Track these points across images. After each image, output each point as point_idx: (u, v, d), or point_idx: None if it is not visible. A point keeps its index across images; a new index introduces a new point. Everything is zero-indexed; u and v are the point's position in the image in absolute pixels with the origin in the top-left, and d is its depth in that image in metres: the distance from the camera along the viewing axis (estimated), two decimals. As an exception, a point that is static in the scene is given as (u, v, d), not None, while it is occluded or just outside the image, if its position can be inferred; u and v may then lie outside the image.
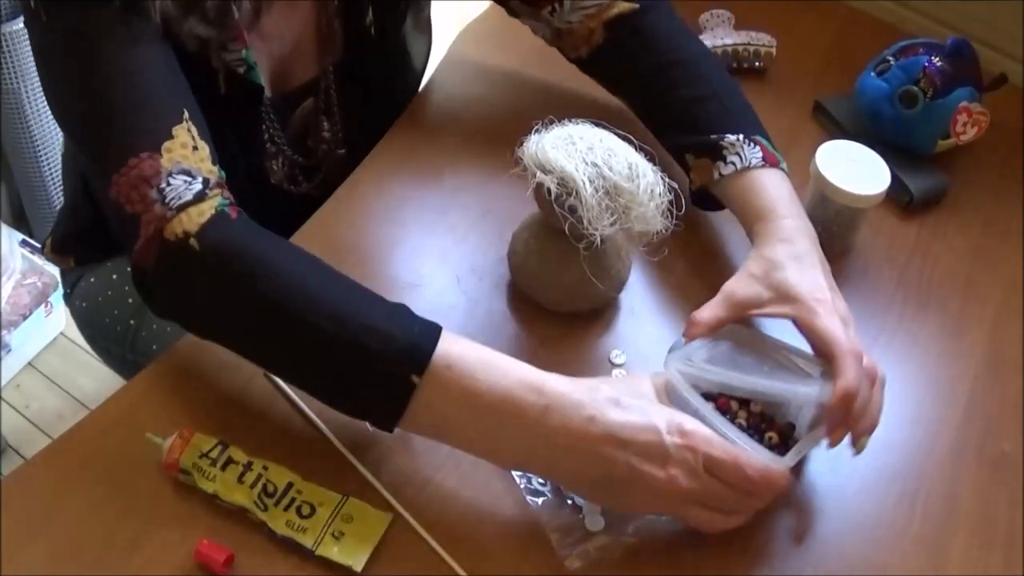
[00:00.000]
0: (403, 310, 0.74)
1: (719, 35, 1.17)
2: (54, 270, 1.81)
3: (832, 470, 0.82)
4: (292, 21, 0.96)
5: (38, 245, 1.79)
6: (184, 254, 0.72)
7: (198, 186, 0.74)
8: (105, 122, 0.76)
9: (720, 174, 0.91)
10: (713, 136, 0.91)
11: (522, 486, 0.80)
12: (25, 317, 1.82)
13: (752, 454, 0.73)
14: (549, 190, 0.80)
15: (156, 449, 0.77)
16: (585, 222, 0.80)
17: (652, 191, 0.82)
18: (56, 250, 1.19)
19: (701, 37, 1.16)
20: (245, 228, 0.76)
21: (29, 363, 1.89)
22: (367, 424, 0.82)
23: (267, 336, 0.74)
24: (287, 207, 1.00)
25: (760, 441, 0.77)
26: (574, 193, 0.80)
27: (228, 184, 0.79)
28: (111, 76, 0.76)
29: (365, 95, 1.04)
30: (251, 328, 0.74)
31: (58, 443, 0.81)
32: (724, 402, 0.81)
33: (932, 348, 0.93)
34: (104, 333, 1.18)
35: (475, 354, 0.72)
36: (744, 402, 0.81)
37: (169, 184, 0.73)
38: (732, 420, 0.79)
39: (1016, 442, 0.86)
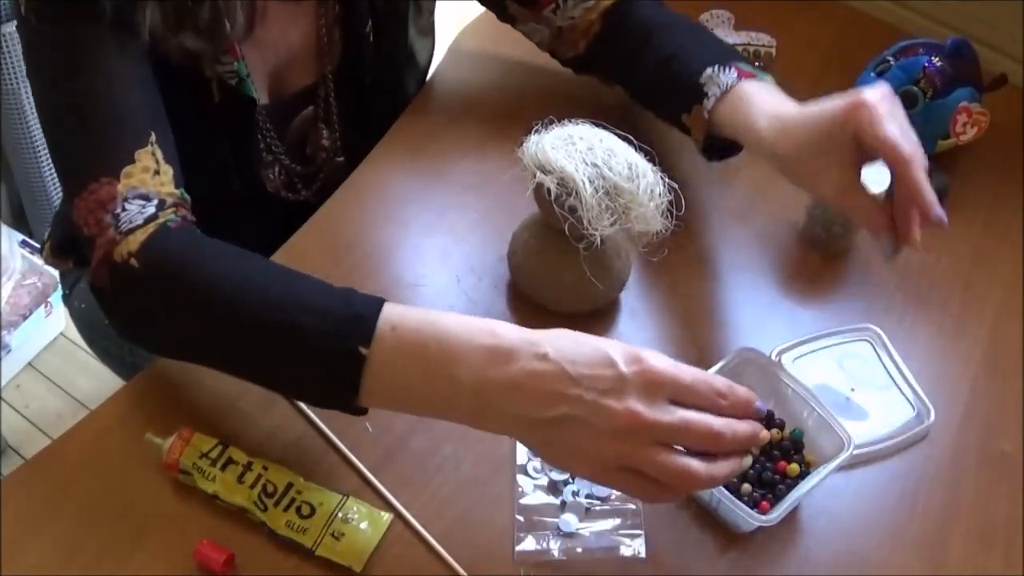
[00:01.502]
0: (345, 290, 0.71)
1: (719, 35, 1.17)
2: (54, 271, 1.81)
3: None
4: (289, 29, 0.96)
5: (38, 245, 1.79)
6: (129, 275, 0.72)
7: (151, 209, 0.74)
8: (72, 144, 0.77)
9: (707, 112, 0.90)
10: (692, 79, 0.91)
11: (521, 487, 0.80)
12: (25, 317, 1.82)
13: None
14: (549, 190, 0.80)
15: (156, 449, 0.77)
16: (585, 222, 0.80)
17: (652, 191, 0.82)
18: (55, 253, 1.19)
19: (701, 37, 1.16)
20: (183, 239, 0.74)
21: (29, 363, 1.89)
22: (367, 424, 0.82)
23: (215, 340, 0.73)
24: (285, 215, 1.00)
25: (737, 496, 0.76)
26: (574, 193, 0.80)
27: (223, 193, 0.81)
28: (82, 94, 0.76)
29: (364, 102, 1.04)
30: (198, 336, 0.73)
31: (58, 443, 0.81)
32: None
33: (932, 348, 0.93)
34: (103, 334, 1.18)
35: (419, 314, 0.69)
36: None
37: (124, 209, 0.73)
38: None
39: (1016, 442, 0.86)
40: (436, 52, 1.19)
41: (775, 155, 0.82)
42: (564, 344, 0.66)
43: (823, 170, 0.79)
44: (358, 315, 0.68)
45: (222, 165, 0.94)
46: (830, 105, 0.78)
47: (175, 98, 0.82)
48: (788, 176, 0.83)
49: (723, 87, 0.88)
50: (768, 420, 0.82)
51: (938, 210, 0.75)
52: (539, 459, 0.81)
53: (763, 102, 0.86)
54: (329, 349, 0.68)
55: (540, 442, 0.67)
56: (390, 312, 0.68)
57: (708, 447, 0.65)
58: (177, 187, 0.78)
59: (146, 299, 0.73)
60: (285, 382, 0.74)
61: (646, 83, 1.00)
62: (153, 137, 0.77)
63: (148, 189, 0.75)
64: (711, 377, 0.67)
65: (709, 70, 0.90)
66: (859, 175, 0.78)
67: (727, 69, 0.90)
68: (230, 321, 0.70)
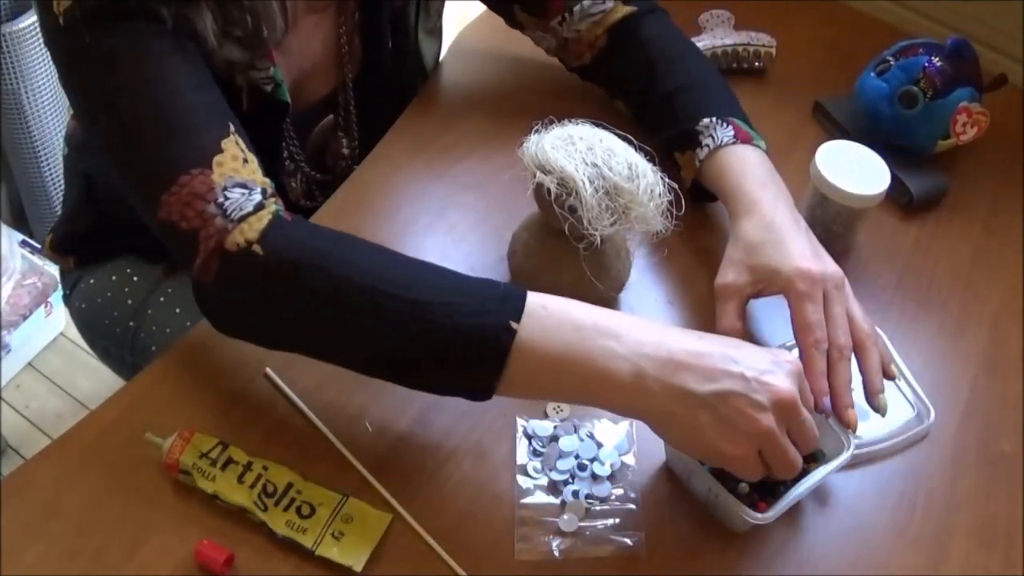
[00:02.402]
0: (485, 279, 0.71)
1: (719, 35, 1.17)
2: (54, 270, 1.81)
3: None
4: (312, 37, 0.96)
5: (38, 245, 1.79)
6: (249, 262, 0.70)
7: (257, 197, 0.73)
8: (152, 142, 0.74)
9: (699, 160, 0.92)
10: (690, 123, 0.93)
11: (521, 487, 0.80)
12: (25, 317, 1.82)
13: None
14: (549, 190, 0.80)
15: (156, 449, 0.77)
16: (585, 222, 0.80)
17: (652, 191, 0.82)
18: (55, 249, 1.19)
19: (701, 37, 1.17)
20: (305, 227, 0.74)
21: (29, 363, 1.89)
22: (367, 424, 0.82)
23: (346, 326, 0.70)
24: None
25: (734, 494, 0.76)
26: (574, 193, 0.80)
27: None
28: (157, 91, 0.74)
29: (383, 109, 1.04)
30: (326, 323, 0.71)
31: (58, 443, 0.81)
32: None
33: (932, 348, 0.93)
34: (103, 334, 1.18)
35: (567, 300, 0.70)
36: None
37: (227, 198, 0.71)
38: None
39: (1016, 442, 0.86)
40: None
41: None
42: (713, 336, 0.71)
43: (733, 265, 0.85)
44: (507, 294, 0.69)
45: None
46: (783, 262, 0.82)
47: None
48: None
49: (716, 143, 0.91)
50: None
51: (824, 403, 0.78)
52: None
53: (737, 186, 0.89)
54: (479, 325, 0.67)
55: (697, 421, 0.67)
56: (538, 295, 0.70)
57: (806, 446, 0.71)
58: (265, 175, 0.76)
59: (270, 286, 0.71)
60: (421, 366, 0.71)
61: (646, 110, 1.02)
62: (232, 128, 0.75)
63: (244, 178, 0.73)
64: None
65: (707, 120, 0.92)
66: (743, 297, 0.85)
67: (725, 125, 0.92)
68: (370, 304, 0.68)
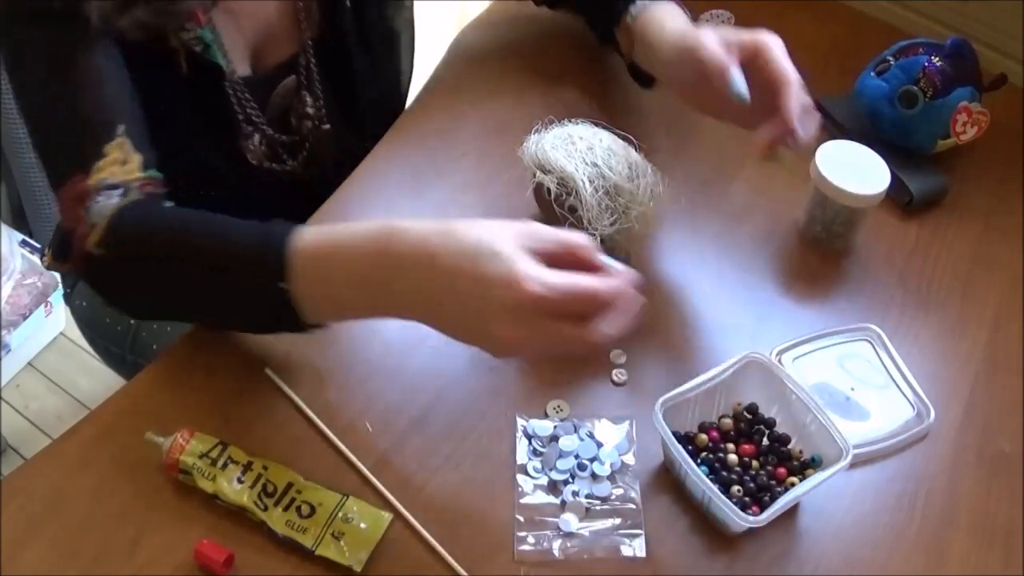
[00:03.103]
0: (252, 237, 0.76)
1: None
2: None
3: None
4: (267, 1, 0.97)
5: (38, 245, 1.79)
6: (97, 263, 0.79)
7: (116, 199, 0.79)
8: (48, 145, 0.84)
9: (631, 18, 0.96)
10: None
11: (521, 487, 0.80)
12: (25, 317, 1.82)
13: None
14: (549, 190, 0.80)
15: (156, 449, 0.77)
16: (585, 222, 0.80)
17: (652, 191, 0.82)
18: (56, 256, 1.18)
19: (701, 37, 1.16)
20: (133, 217, 0.79)
21: (29, 363, 1.89)
22: (367, 424, 0.82)
23: (174, 298, 0.81)
24: (271, 186, 1.00)
25: (727, 495, 0.76)
26: (574, 193, 0.80)
27: (207, 169, 0.87)
28: (51, 97, 0.82)
29: (347, 69, 1.04)
30: (161, 297, 0.82)
31: (58, 443, 0.81)
32: (716, 435, 0.81)
33: (932, 348, 0.93)
34: (104, 333, 1.18)
35: (321, 236, 0.74)
36: (747, 436, 0.82)
37: (96, 202, 0.79)
38: (722, 456, 0.80)
39: (1016, 442, 0.86)
40: (436, 52, 1.19)
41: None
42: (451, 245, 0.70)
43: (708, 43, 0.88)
44: (267, 258, 0.73)
45: (201, 139, 0.96)
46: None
47: (148, 77, 0.85)
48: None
49: (640, 7, 0.96)
50: (763, 422, 0.83)
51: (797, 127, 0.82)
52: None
53: (678, 19, 0.94)
54: (261, 288, 0.74)
55: (449, 306, 0.70)
56: (303, 241, 0.73)
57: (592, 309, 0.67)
58: (145, 170, 0.82)
59: (115, 280, 0.82)
60: (244, 325, 0.83)
61: (588, 4, 1.07)
62: (121, 129, 0.81)
63: (116, 179, 0.80)
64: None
65: None
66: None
67: None
68: (180, 283, 0.78)
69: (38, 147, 0.85)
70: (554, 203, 0.81)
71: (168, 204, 0.83)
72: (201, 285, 0.78)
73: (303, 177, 1.02)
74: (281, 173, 1.03)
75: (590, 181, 0.79)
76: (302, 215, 1.05)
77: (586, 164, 0.80)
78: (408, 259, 0.70)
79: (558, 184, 0.80)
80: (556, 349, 0.70)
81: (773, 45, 0.86)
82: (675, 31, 0.92)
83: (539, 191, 0.83)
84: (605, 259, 0.70)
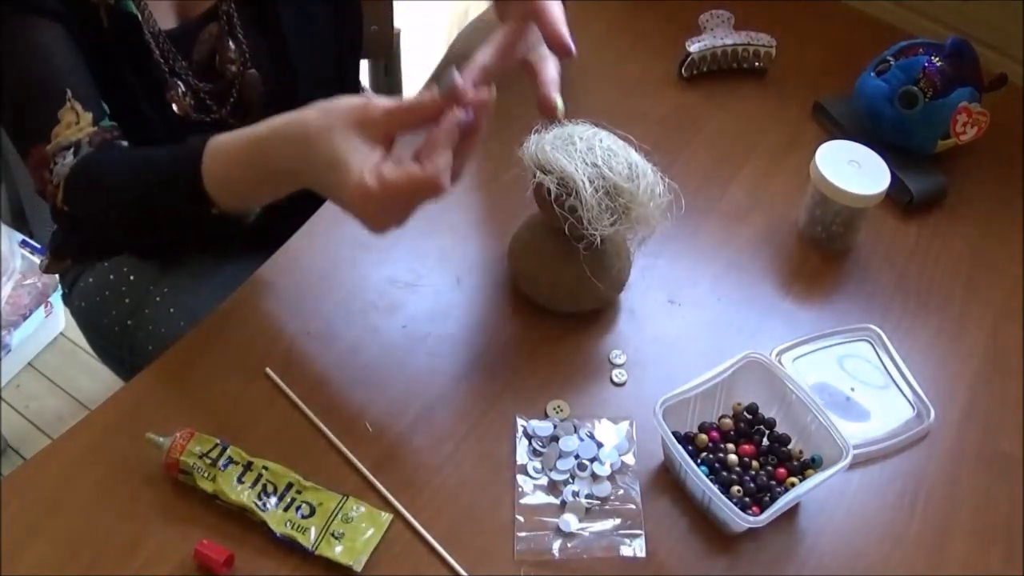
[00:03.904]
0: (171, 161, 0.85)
1: (719, 35, 1.17)
2: (54, 270, 1.80)
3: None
4: None
5: (38, 245, 1.79)
6: (66, 216, 0.90)
7: (70, 157, 0.89)
8: (9, 115, 0.92)
9: None
10: None
11: (521, 487, 0.80)
12: (25, 317, 1.82)
13: None
14: (549, 190, 0.80)
15: (156, 449, 0.77)
16: (585, 222, 0.80)
17: (652, 191, 0.82)
18: (53, 257, 1.18)
19: (701, 37, 1.17)
20: (86, 162, 0.88)
21: (29, 363, 1.89)
22: (367, 424, 0.82)
23: (128, 226, 0.89)
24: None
25: (727, 495, 0.76)
26: (574, 193, 0.80)
27: (137, 122, 0.95)
28: (9, 74, 0.89)
29: (271, 13, 1.04)
30: (117, 227, 0.90)
31: (58, 443, 0.81)
32: (716, 435, 0.81)
33: (932, 348, 0.93)
34: (102, 333, 1.18)
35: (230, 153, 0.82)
36: (747, 436, 0.82)
37: (56, 163, 0.88)
38: (722, 456, 0.80)
39: (1016, 442, 0.86)
40: (435, 52, 1.19)
41: None
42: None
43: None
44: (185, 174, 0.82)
45: (130, 94, 0.98)
46: None
47: (78, 34, 0.91)
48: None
49: None
50: (763, 423, 0.83)
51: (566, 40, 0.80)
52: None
53: None
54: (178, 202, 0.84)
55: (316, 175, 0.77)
56: (208, 157, 0.81)
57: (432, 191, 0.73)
58: (96, 123, 0.90)
59: (80, 226, 0.92)
60: (182, 237, 0.95)
61: None
62: (69, 94, 0.89)
63: (70, 139, 0.89)
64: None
65: None
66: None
67: None
68: (129, 215, 0.88)
69: (4, 129, 0.95)
70: (554, 203, 0.81)
71: (122, 146, 0.91)
72: (144, 220, 0.89)
73: (234, 125, 1.02)
74: (211, 124, 1.03)
75: (590, 181, 0.79)
76: None
77: (586, 164, 0.80)
78: (281, 174, 0.79)
79: (558, 184, 0.80)
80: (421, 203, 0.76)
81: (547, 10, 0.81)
82: None
83: (539, 191, 0.83)
84: (442, 87, 0.74)
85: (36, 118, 0.90)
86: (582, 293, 0.89)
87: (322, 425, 0.82)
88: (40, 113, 0.89)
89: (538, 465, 0.81)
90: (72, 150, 0.89)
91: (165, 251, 1.06)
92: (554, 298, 0.90)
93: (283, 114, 0.78)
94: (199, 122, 1.03)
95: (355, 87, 1.26)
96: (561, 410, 0.85)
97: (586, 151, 0.81)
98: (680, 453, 0.76)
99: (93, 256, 1.02)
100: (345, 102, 0.76)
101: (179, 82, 1.00)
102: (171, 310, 1.12)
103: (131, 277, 1.15)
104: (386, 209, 0.75)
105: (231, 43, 1.02)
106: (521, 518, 0.78)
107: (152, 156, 0.88)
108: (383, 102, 0.75)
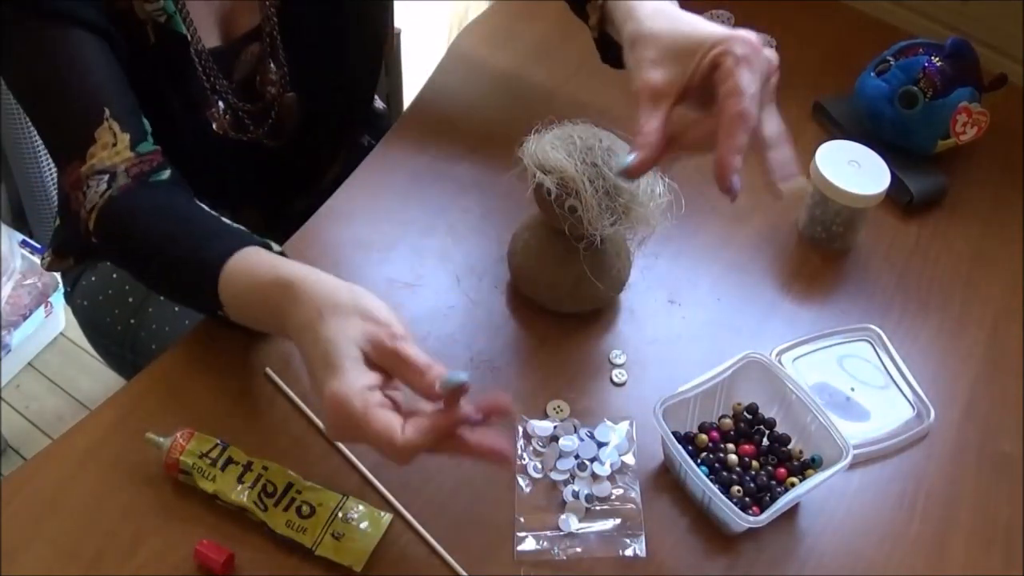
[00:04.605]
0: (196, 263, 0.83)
1: (719, 35, 1.17)
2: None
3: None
4: None
5: (38, 245, 1.79)
6: (94, 248, 0.88)
7: (103, 186, 0.86)
8: (46, 132, 0.91)
9: (602, 4, 0.87)
10: None
11: (521, 487, 0.80)
12: (25, 317, 1.82)
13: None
14: (549, 190, 0.80)
15: (156, 449, 0.77)
16: (585, 222, 0.80)
17: (652, 191, 0.82)
18: (56, 255, 1.18)
19: (701, 37, 1.16)
20: (117, 209, 0.86)
21: (29, 363, 1.89)
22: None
23: (151, 280, 0.89)
24: (239, 156, 1.02)
25: (727, 495, 0.76)
26: (574, 193, 0.80)
27: (173, 140, 0.91)
28: (41, 89, 0.87)
29: (311, 37, 1.04)
30: (142, 276, 0.90)
31: (58, 443, 0.81)
32: (716, 435, 0.81)
33: (932, 348, 0.93)
34: (105, 332, 1.18)
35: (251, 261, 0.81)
36: (747, 436, 0.82)
37: (88, 187, 0.86)
38: (722, 456, 0.80)
39: (1016, 442, 0.86)
40: (435, 51, 1.19)
41: (632, 40, 0.79)
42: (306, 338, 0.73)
43: (653, 65, 0.76)
44: (210, 283, 0.81)
45: (169, 108, 0.98)
46: (706, 30, 0.76)
47: (124, 49, 0.90)
48: (628, 62, 0.80)
49: None
50: (763, 423, 0.83)
51: (733, 181, 0.74)
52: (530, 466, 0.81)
53: (632, 6, 0.81)
54: (199, 306, 0.86)
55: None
56: (229, 277, 0.80)
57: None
58: (135, 147, 0.87)
59: (109, 259, 0.96)
60: (188, 305, 0.90)
61: None
62: (107, 113, 0.86)
63: (105, 164, 0.86)
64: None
65: None
66: (677, 90, 0.75)
67: None
68: (147, 268, 0.87)
69: (40, 135, 0.92)
70: (554, 203, 0.81)
71: (160, 180, 0.88)
72: (163, 289, 0.92)
73: (270, 146, 1.03)
74: (248, 143, 1.03)
75: (590, 181, 0.79)
76: (270, 184, 1.10)
77: (586, 164, 0.80)
78: (286, 323, 0.76)
79: (558, 184, 0.80)
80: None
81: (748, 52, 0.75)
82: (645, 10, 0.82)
83: (539, 191, 0.83)
84: (443, 380, 0.69)
85: (73, 135, 0.87)
86: (582, 293, 0.89)
87: (322, 425, 0.81)
88: (77, 130, 0.87)
89: (538, 465, 0.81)
90: (108, 177, 0.86)
91: None
92: (554, 298, 0.90)
93: (318, 273, 0.76)
94: (236, 141, 1.03)
95: (371, 108, 1.26)
96: (561, 410, 0.85)
97: (586, 151, 0.81)
98: (680, 453, 0.76)
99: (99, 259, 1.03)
100: (377, 311, 0.72)
101: (219, 101, 1.00)
102: (174, 309, 1.12)
103: (134, 276, 1.15)
104: (349, 430, 0.69)
105: (272, 65, 1.02)
106: (521, 518, 0.78)
107: (189, 232, 0.85)
108: (407, 345, 0.71)
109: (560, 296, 0.90)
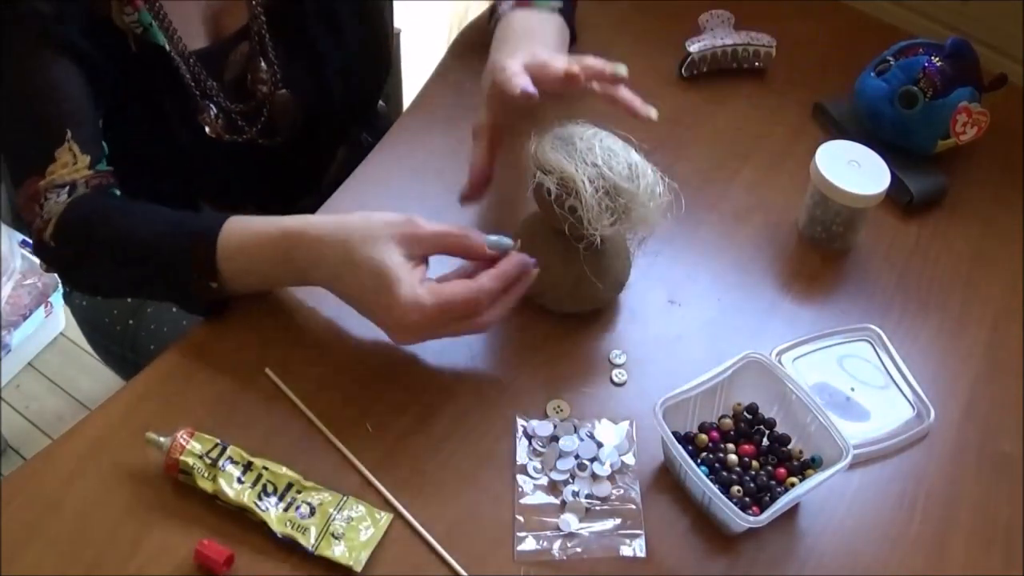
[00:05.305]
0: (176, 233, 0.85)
1: (719, 35, 1.17)
2: (54, 270, 1.80)
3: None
4: None
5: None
6: (51, 251, 0.90)
7: (64, 196, 0.89)
8: (7, 149, 0.94)
9: (491, 32, 1.01)
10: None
11: (521, 487, 0.80)
12: (25, 317, 1.82)
13: None
14: (549, 190, 0.80)
15: (156, 449, 0.77)
16: (585, 222, 0.80)
17: (652, 191, 0.82)
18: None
19: (701, 37, 1.17)
20: (78, 211, 0.88)
21: (29, 363, 1.89)
22: (367, 425, 0.82)
23: (115, 278, 0.91)
24: (235, 157, 1.02)
25: (727, 495, 0.76)
26: (574, 193, 0.80)
27: (171, 144, 0.96)
28: (7, 107, 0.90)
29: (303, 34, 1.04)
30: (101, 277, 0.93)
31: (58, 443, 0.81)
32: (716, 435, 0.82)
33: (932, 348, 0.93)
34: (103, 332, 1.18)
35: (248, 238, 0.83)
36: (747, 436, 0.82)
37: (47, 199, 0.88)
38: (722, 456, 0.80)
39: (1016, 442, 0.86)
40: (435, 52, 1.19)
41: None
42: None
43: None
44: (194, 254, 0.83)
45: (161, 116, 0.98)
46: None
47: (108, 58, 0.92)
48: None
49: (499, 12, 1.01)
50: (763, 423, 0.83)
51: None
52: (531, 463, 0.81)
53: (499, 44, 0.97)
54: (185, 283, 0.85)
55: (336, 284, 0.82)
56: (225, 238, 0.83)
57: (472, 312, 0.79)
58: (93, 166, 0.90)
59: (65, 264, 0.93)
60: (163, 297, 0.91)
61: None
62: (69, 135, 0.89)
63: (65, 179, 0.89)
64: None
65: None
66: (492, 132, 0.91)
67: None
68: (119, 266, 0.88)
69: (2, 152, 0.96)
70: (554, 203, 0.81)
71: (116, 194, 0.92)
72: (134, 278, 0.89)
73: (265, 146, 1.03)
74: (242, 144, 1.03)
75: (590, 181, 0.79)
76: (270, 183, 1.10)
77: (586, 164, 0.80)
78: (310, 270, 0.82)
79: (558, 184, 0.80)
80: (452, 336, 0.82)
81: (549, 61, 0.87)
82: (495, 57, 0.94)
83: (539, 191, 0.83)
84: (490, 240, 0.82)
85: (34, 152, 0.90)
86: (582, 293, 0.89)
87: (322, 425, 0.82)
88: (38, 148, 0.90)
89: (538, 465, 0.81)
90: (67, 189, 0.89)
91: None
92: (554, 298, 0.90)
93: (320, 215, 0.81)
94: (231, 143, 1.03)
95: (375, 107, 1.26)
96: (561, 410, 0.85)
97: (586, 151, 0.81)
98: (680, 453, 0.76)
99: (71, 284, 1.04)
100: (390, 215, 0.80)
101: (211, 104, 1.00)
102: (172, 309, 1.12)
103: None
104: (431, 324, 0.78)
105: (262, 63, 1.02)
106: (521, 518, 0.78)
107: (167, 215, 0.88)
108: (435, 224, 0.80)
109: (560, 296, 0.90)
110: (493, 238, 0.82)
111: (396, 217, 0.80)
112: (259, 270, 0.84)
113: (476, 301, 0.78)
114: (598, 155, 0.81)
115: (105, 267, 0.90)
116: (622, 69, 0.88)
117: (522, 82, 0.85)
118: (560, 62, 0.87)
